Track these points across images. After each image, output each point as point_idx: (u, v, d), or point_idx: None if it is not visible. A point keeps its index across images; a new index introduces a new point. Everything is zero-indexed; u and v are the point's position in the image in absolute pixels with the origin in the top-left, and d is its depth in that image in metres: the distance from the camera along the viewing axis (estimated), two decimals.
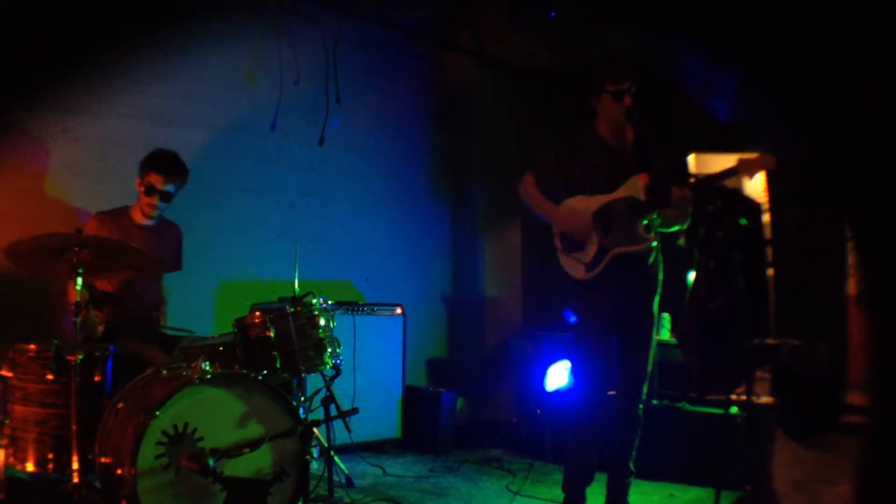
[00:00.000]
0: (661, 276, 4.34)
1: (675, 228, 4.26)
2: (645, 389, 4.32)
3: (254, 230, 6.11)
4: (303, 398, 4.83)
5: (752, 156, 3.99)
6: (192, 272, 5.40)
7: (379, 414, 6.11)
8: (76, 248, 3.74)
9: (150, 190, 4.62)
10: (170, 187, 4.67)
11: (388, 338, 6.23)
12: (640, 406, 4.30)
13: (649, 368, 4.31)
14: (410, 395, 6.31)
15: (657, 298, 4.33)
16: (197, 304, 5.70)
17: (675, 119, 6.05)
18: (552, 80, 7.06)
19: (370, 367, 6.07)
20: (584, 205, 4.27)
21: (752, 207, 3.72)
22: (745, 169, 3.93)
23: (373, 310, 6.19)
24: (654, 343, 4.32)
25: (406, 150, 7.20)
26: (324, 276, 6.44)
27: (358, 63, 6.69)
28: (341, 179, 6.66)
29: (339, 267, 6.65)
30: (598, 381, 4.30)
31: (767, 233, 5.52)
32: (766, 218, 5.45)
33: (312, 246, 6.35)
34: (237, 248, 6.01)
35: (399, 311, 6.30)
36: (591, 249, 4.23)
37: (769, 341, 3.75)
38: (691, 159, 5.70)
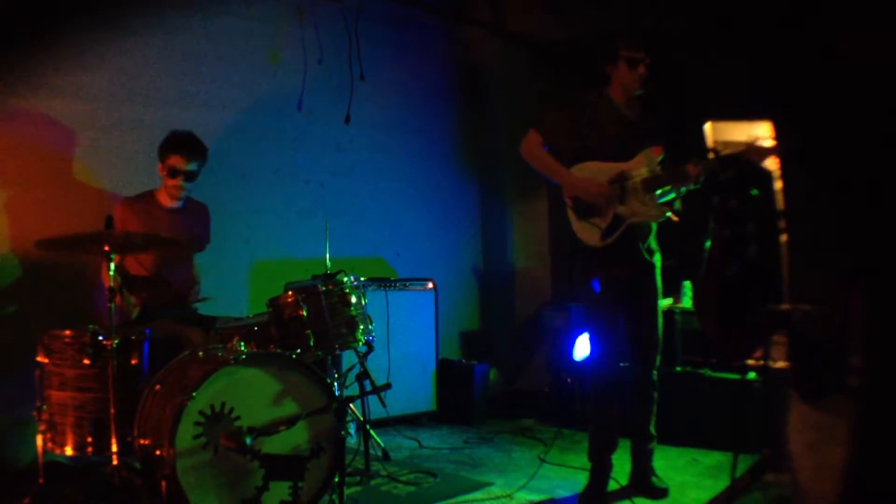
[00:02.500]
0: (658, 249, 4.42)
1: (671, 196, 4.27)
2: (658, 359, 4.39)
3: (285, 210, 6.18)
4: (336, 375, 4.89)
5: (761, 143, 3.97)
6: (226, 253, 5.49)
7: (414, 387, 6.20)
8: (107, 245, 3.82)
9: (173, 172, 4.69)
10: (192, 166, 4.73)
11: (420, 312, 6.30)
12: (655, 372, 4.37)
13: (660, 334, 4.37)
14: (444, 368, 6.38)
15: (659, 265, 4.40)
16: (231, 285, 5.78)
17: (690, 88, 6.03)
18: (573, 53, 7.04)
19: (404, 341, 6.16)
20: (598, 170, 4.26)
21: (764, 176, 3.73)
22: (753, 154, 3.90)
23: (405, 285, 6.26)
24: (660, 311, 4.39)
25: (432, 125, 7.22)
26: (356, 254, 6.52)
27: (380, 40, 6.70)
28: (369, 157, 6.70)
29: (371, 244, 6.72)
30: (615, 350, 4.34)
31: (779, 200, 5.48)
32: (777, 185, 5.43)
33: (343, 224, 6.42)
34: (269, 229, 6.08)
35: (430, 285, 6.36)
36: (608, 217, 4.23)
37: (783, 307, 3.76)
38: (707, 128, 5.68)
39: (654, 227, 4.38)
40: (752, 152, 3.92)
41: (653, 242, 4.39)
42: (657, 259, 4.40)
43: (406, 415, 6.15)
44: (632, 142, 4.25)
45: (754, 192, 3.48)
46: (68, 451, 3.95)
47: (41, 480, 4.00)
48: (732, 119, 5.78)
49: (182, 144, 4.70)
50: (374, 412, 5.36)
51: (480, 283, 7.53)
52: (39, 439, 3.98)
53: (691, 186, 4.20)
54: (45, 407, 3.98)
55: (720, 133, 5.96)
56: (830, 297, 3.53)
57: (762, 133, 5.34)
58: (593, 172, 4.27)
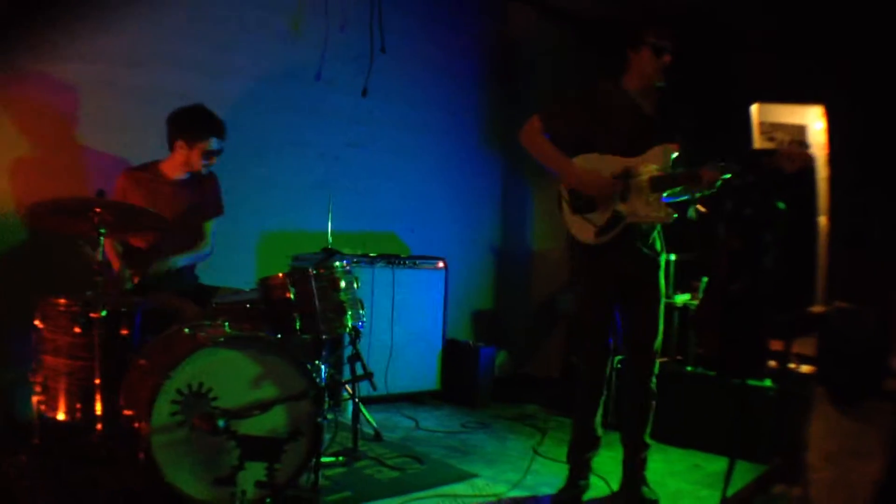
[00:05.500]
0: (664, 248, 4.26)
1: (690, 197, 4.12)
2: (657, 365, 4.23)
3: (297, 181, 6.16)
4: (324, 355, 4.87)
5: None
6: (236, 224, 5.48)
7: (418, 366, 6.20)
8: (97, 210, 3.83)
9: (207, 154, 4.72)
10: (222, 145, 4.78)
11: (429, 291, 6.28)
12: (654, 379, 4.21)
13: (659, 339, 4.20)
14: (450, 348, 6.37)
15: (663, 266, 4.23)
16: (240, 255, 5.80)
17: (735, 71, 5.88)
18: (615, 32, 6.89)
19: (411, 319, 6.15)
20: (602, 163, 4.09)
21: (798, 176, 3.58)
22: (785, 161, 3.71)
23: (414, 263, 6.23)
24: (662, 314, 4.21)
25: (457, 100, 7.13)
26: (368, 228, 6.51)
27: (407, 10, 6.61)
28: (387, 131, 6.64)
29: (384, 219, 6.69)
30: (599, 349, 4.21)
31: (824, 188, 5.32)
32: (823, 173, 5.27)
33: (357, 197, 6.41)
34: (280, 200, 6.07)
35: (441, 264, 6.33)
36: (606, 213, 4.06)
37: (815, 308, 3.65)
38: (754, 109, 5.51)
39: (659, 225, 4.20)
40: (783, 159, 3.68)
41: (657, 241, 4.20)
42: (662, 258, 4.23)
43: (408, 393, 6.16)
44: (643, 136, 4.05)
45: (781, 205, 3.35)
46: (60, 415, 4.05)
47: (36, 440, 4.12)
48: (782, 101, 5.60)
49: (214, 127, 4.72)
50: (378, 389, 5.30)
51: (497, 263, 7.48)
52: (34, 400, 4.10)
53: (705, 192, 4.01)
54: (39, 370, 4.08)
55: (767, 115, 5.79)
56: (871, 295, 3.43)
57: (811, 119, 5.16)
58: (596, 165, 4.09)
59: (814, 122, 5.36)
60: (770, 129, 5.46)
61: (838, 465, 3.39)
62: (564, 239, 4.32)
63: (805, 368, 4.87)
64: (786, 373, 4.55)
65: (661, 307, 4.21)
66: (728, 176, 3.80)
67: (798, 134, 5.32)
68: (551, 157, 4.21)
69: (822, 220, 5.17)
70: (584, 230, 4.14)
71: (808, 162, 3.74)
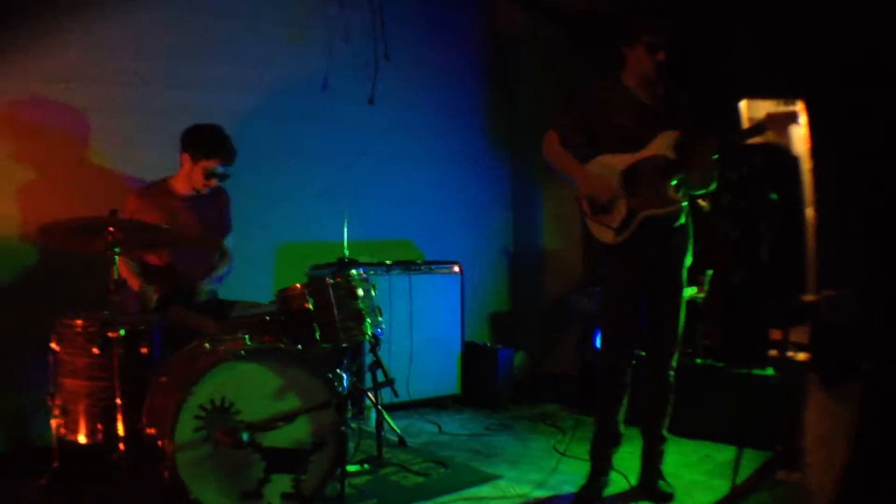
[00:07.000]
0: (690, 240, 4.23)
1: (702, 192, 4.14)
2: (675, 358, 4.24)
3: (309, 192, 6.17)
4: (345, 363, 4.88)
5: (782, 109, 3.83)
6: (251, 238, 5.51)
7: (438, 371, 6.21)
8: (111, 229, 3.85)
9: (209, 174, 4.71)
10: (228, 170, 4.77)
11: (446, 296, 6.28)
12: (672, 373, 4.23)
13: (679, 333, 4.21)
14: (469, 352, 6.36)
15: (687, 263, 4.22)
16: (256, 270, 5.81)
17: (721, 67, 5.87)
18: (607, 28, 6.89)
19: (429, 324, 6.16)
20: (610, 164, 4.10)
21: (787, 166, 3.61)
22: (774, 124, 3.76)
23: (430, 268, 6.24)
24: (683, 308, 4.22)
25: (460, 104, 7.13)
26: (383, 236, 6.51)
27: (407, 17, 6.63)
28: (395, 137, 6.65)
29: (398, 226, 6.70)
30: (623, 347, 4.23)
31: (808, 182, 5.30)
32: (807, 166, 5.28)
33: (370, 205, 6.41)
34: (294, 211, 6.09)
35: (456, 269, 6.34)
36: (620, 212, 4.08)
37: (807, 297, 3.68)
38: (742, 105, 5.52)
39: (683, 217, 4.18)
40: (773, 121, 3.77)
41: (678, 234, 4.19)
42: (687, 251, 4.22)
43: (430, 398, 6.17)
44: (646, 128, 4.06)
45: (773, 196, 3.38)
46: (81, 438, 4.04)
47: (56, 464, 4.11)
48: (767, 97, 5.62)
49: (221, 149, 4.70)
50: (400, 395, 5.30)
51: (510, 265, 7.48)
52: (53, 424, 4.08)
53: (711, 188, 4.07)
54: (57, 394, 4.08)
55: (755, 111, 5.80)
56: (856, 282, 3.44)
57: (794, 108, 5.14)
58: (606, 167, 4.12)
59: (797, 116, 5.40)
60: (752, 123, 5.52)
61: (830, 449, 3.40)
62: (576, 238, 4.33)
63: (801, 356, 4.89)
64: (785, 361, 4.55)
65: (682, 301, 4.22)
66: (717, 156, 3.84)
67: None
68: (566, 165, 4.24)
69: (809, 212, 5.19)
70: (603, 232, 4.17)
71: (794, 120, 3.76)
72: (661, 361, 4.24)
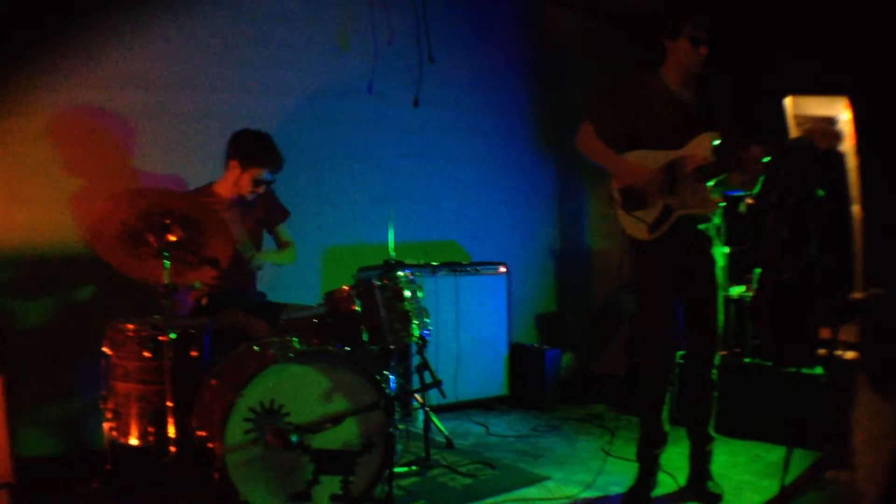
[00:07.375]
0: (722, 240, 4.22)
1: (743, 193, 4.08)
2: (717, 356, 4.22)
3: (357, 194, 6.22)
4: (392, 365, 4.91)
5: (824, 126, 3.78)
6: (298, 239, 5.53)
7: (485, 372, 6.22)
8: (164, 222, 3.89)
9: (257, 182, 4.78)
10: (273, 178, 4.86)
11: (492, 297, 6.29)
12: (714, 371, 4.20)
13: (720, 331, 4.19)
14: (516, 353, 6.37)
15: (720, 262, 4.19)
16: (305, 271, 5.86)
17: (769, 63, 5.81)
18: (651, 24, 6.85)
19: (475, 326, 6.17)
20: (649, 160, 4.06)
21: (832, 163, 3.56)
22: (818, 138, 3.70)
23: (476, 270, 6.25)
24: (720, 306, 4.18)
25: (506, 104, 7.14)
26: (429, 237, 6.54)
27: (452, 19, 6.65)
28: (441, 139, 6.68)
29: (444, 227, 6.72)
30: (662, 346, 4.20)
31: (854, 177, 5.24)
32: (852, 162, 5.22)
33: (416, 207, 6.45)
34: (341, 214, 6.15)
35: (503, 269, 6.34)
36: (656, 209, 4.04)
37: (855, 295, 3.63)
38: (788, 102, 5.46)
39: (718, 218, 4.17)
40: (816, 134, 3.73)
41: (713, 232, 4.16)
42: (717, 250, 4.18)
43: (477, 399, 6.17)
44: (685, 127, 4.03)
45: (820, 192, 3.34)
46: (132, 440, 4.11)
47: (108, 466, 4.19)
48: (813, 94, 5.55)
49: (271, 159, 4.78)
50: (448, 397, 5.31)
51: (557, 265, 7.46)
52: (106, 427, 4.16)
53: (750, 192, 3.97)
54: (109, 397, 4.15)
55: (801, 108, 5.74)
56: None
57: (839, 110, 5.10)
58: (643, 160, 4.08)
59: (840, 112, 5.34)
60: (804, 121, 5.44)
61: (879, 449, 3.36)
62: (621, 237, 4.30)
63: (850, 355, 4.82)
64: (834, 360, 4.50)
65: (720, 299, 4.19)
66: (768, 159, 3.73)
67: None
68: (604, 157, 4.21)
69: (856, 209, 5.12)
70: (637, 228, 4.13)
71: (838, 138, 3.72)
72: (703, 361, 4.22)
